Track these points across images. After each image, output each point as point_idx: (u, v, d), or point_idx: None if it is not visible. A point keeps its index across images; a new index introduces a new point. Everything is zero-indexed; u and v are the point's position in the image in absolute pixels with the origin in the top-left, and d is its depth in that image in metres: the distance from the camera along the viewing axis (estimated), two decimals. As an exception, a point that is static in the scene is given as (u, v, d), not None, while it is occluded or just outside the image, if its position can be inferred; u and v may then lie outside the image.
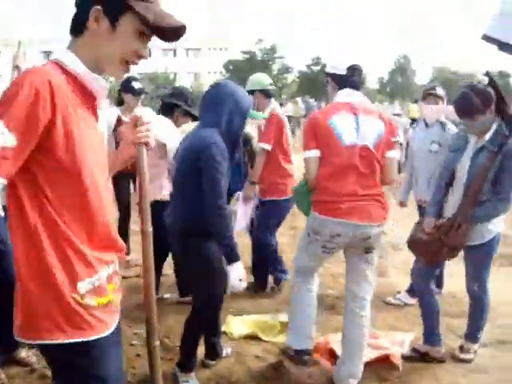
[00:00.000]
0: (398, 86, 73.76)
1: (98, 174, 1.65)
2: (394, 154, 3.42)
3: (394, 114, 13.63)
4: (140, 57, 1.70)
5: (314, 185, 3.39)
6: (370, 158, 3.31)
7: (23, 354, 3.49)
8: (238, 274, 3.00)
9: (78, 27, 1.64)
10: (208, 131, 3.14)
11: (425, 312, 3.88)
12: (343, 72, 3.40)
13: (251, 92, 4.72)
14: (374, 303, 4.60)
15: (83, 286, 1.61)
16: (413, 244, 3.88)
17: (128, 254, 5.40)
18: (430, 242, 3.61)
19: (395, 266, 5.82)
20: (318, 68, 60.12)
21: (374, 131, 3.31)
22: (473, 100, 3.25)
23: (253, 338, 4.10)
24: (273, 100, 5.04)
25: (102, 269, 1.68)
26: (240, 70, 52.71)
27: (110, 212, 1.75)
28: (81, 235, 1.62)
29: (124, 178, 5.43)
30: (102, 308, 1.67)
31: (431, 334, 3.85)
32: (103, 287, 1.68)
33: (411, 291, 4.74)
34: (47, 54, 74.20)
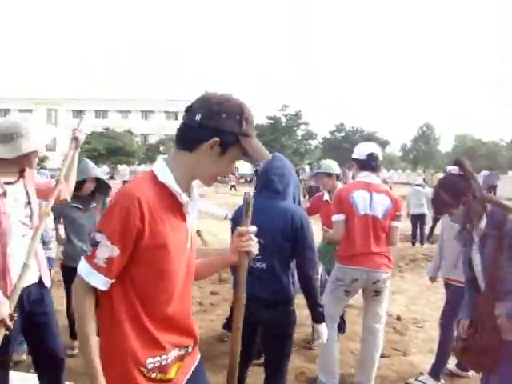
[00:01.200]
0: (420, 153, 74.05)
1: (181, 271, 1.95)
2: (397, 224, 4.37)
3: (417, 185, 13.37)
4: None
5: (339, 241, 4.44)
6: (378, 226, 4.28)
7: None
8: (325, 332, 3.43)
9: (189, 145, 1.89)
10: (290, 204, 3.44)
11: None
12: (364, 157, 4.40)
13: (329, 174, 5.72)
14: (397, 385, 4.43)
15: (151, 362, 1.90)
16: (463, 356, 3.34)
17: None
18: (484, 351, 3.06)
19: (417, 344, 5.60)
20: (342, 134, 60.87)
21: (383, 206, 4.28)
22: (442, 197, 3.18)
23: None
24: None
25: (172, 351, 1.97)
26: (264, 134, 53.52)
27: (188, 305, 2.06)
28: (159, 325, 1.92)
29: None
30: (161, 383, 1.95)
31: None
32: (168, 366, 1.95)
33: (434, 373, 4.53)
34: (76, 112, 76.43)
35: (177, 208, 1.92)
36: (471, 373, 4.60)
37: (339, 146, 58.03)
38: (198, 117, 1.86)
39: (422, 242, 12.85)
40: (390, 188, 6.16)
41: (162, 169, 1.91)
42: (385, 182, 35.87)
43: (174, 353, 1.98)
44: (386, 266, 4.28)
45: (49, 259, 4.06)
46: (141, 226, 1.78)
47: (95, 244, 1.80)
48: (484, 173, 27.20)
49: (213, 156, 1.88)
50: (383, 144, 61.24)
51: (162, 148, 54.88)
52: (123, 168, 32.92)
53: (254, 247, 2.12)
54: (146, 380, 1.89)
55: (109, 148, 54.34)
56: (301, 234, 3.26)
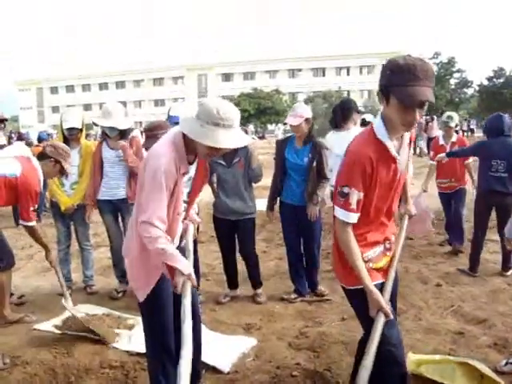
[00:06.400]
0: None
1: (390, 193, 2.68)
2: None
3: None
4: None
5: None
6: None
7: None
8: None
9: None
10: None
11: None
12: None
13: None
14: None
15: (366, 255, 2.67)
16: None
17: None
18: None
19: None
20: (501, 80, 56.40)
21: None
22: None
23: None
24: None
25: (377, 247, 2.76)
26: (415, 85, 51.17)
27: (390, 212, 2.78)
28: (369, 229, 2.70)
29: None
30: (375, 270, 2.74)
31: None
32: (378, 258, 2.77)
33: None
34: (225, 76, 78.35)
35: (390, 156, 2.56)
36: None
37: (497, 93, 53.78)
38: None
39: None
40: None
41: (378, 128, 2.55)
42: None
43: (380, 248, 2.77)
44: None
45: None
46: (370, 172, 2.49)
47: (345, 195, 2.53)
48: None
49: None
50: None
51: (310, 105, 54.73)
52: (278, 127, 34.68)
53: None
54: (366, 268, 2.64)
55: (258, 108, 55.40)
56: None
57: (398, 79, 2.35)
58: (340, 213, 2.59)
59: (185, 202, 3.04)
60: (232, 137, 2.68)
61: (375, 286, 2.65)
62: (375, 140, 2.55)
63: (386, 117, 2.52)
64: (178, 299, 2.81)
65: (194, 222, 3.33)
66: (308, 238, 5.21)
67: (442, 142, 7.18)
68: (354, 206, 2.54)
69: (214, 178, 5.11)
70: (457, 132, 7.94)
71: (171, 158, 2.69)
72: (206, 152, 2.75)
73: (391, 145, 2.55)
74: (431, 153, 7.34)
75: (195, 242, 4.51)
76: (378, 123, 2.56)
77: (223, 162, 4.94)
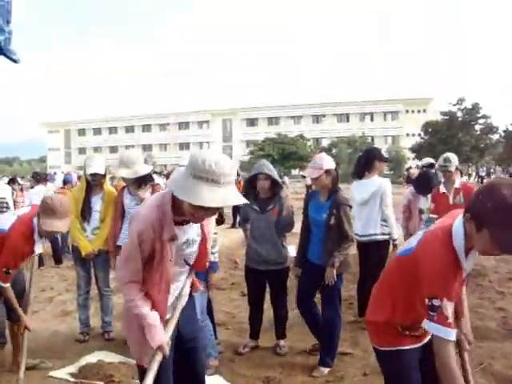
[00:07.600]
0: None
1: None
2: None
3: None
4: None
5: None
6: None
7: None
8: None
9: None
10: None
11: None
12: None
13: None
14: None
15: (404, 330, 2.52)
16: None
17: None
18: None
19: None
20: (526, 126, 55.96)
21: None
22: None
23: None
24: None
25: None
26: (439, 131, 51.15)
27: None
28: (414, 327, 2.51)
29: None
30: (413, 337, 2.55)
31: None
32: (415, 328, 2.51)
33: None
34: (249, 121, 79.29)
35: (459, 267, 2.20)
36: None
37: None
38: None
39: None
40: None
41: (458, 237, 2.19)
42: None
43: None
44: None
45: (212, 264, 4.15)
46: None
47: (437, 308, 2.16)
48: None
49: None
50: None
51: (334, 151, 54.99)
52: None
53: None
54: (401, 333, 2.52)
55: (282, 153, 55.81)
56: None
57: (501, 220, 1.97)
58: (436, 329, 2.21)
59: (188, 264, 2.84)
60: (216, 195, 2.27)
61: (411, 350, 2.54)
62: (451, 247, 2.20)
63: (470, 235, 2.17)
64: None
65: (194, 288, 3.05)
66: (324, 297, 4.69)
67: (443, 189, 6.12)
68: (450, 319, 2.17)
69: (248, 225, 5.01)
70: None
71: (149, 223, 2.49)
72: (191, 211, 2.41)
73: (463, 257, 2.20)
74: (432, 204, 6.33)
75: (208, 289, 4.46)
76: (458, 232, 2.22)
77: (257, 208, 4.84)
